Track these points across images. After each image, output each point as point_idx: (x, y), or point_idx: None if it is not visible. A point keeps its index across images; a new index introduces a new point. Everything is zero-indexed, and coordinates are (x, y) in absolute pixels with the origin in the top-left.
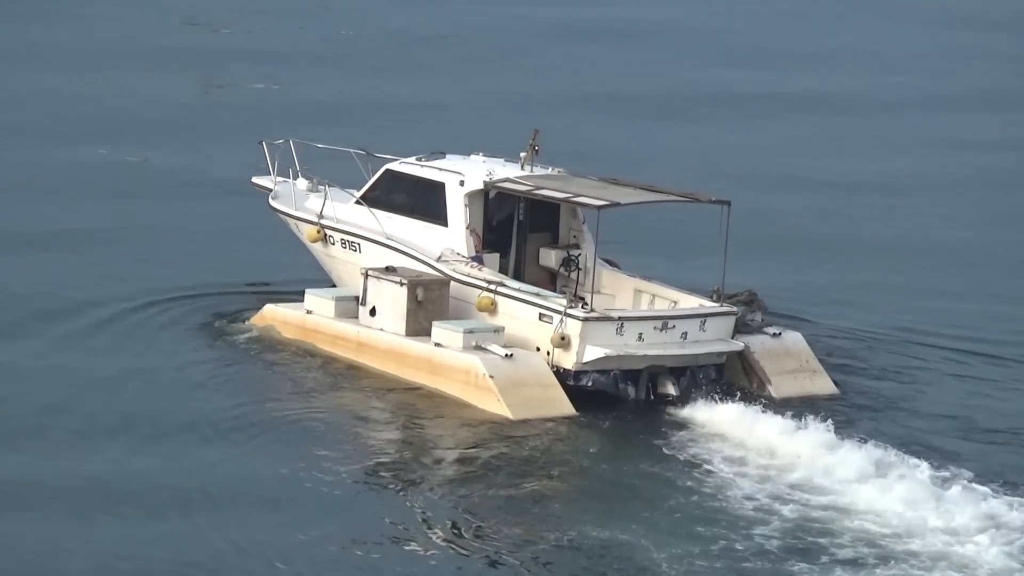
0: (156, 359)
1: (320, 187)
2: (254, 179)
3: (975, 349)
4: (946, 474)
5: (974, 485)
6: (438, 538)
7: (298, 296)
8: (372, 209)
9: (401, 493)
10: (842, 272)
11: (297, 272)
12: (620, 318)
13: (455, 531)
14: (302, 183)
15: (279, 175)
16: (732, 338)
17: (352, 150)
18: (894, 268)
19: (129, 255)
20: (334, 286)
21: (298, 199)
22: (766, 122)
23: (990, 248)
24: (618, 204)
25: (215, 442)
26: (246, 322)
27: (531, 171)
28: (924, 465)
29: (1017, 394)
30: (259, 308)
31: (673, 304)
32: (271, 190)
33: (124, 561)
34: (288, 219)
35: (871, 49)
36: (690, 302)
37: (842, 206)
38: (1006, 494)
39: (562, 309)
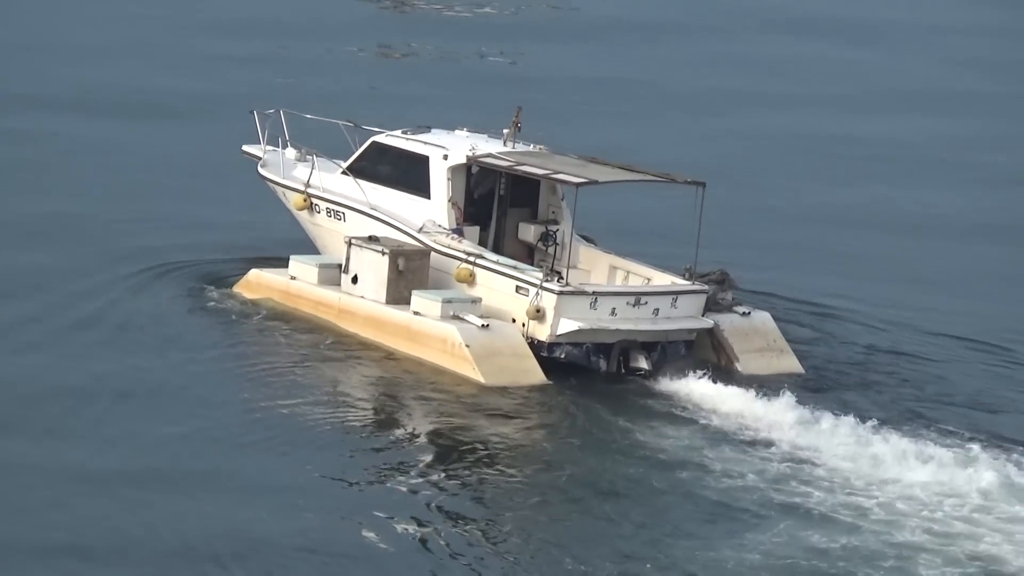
0: (139, 320)
1: (308, 157)
2: (244, 147)
3: (942, 329)
4: (923, 443)
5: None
6: (410, 511)
7: (283, 263)
8: (358, 180)
9: (373, 461)
10: (814, 253)
11: (283, 239)
12: (594, 293)
13: (426, 504)
14: (291, 152)
15: (269, 144)
16: (703, 316)
17: (340, 122)
18: (867, 249)
19: (117, 220)
20: (319, 254)
21: (286, 168)
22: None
23: (967, 227)
24: (596, 182)
25: (189, 407)
26: (231, 287)
27: (513, 147)
28: (893, 435)
29: (983, 371)
30: (245, 273)
31: (647, 281)
32: (260, 158)
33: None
34: (275, 187)
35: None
36: (663, 279)
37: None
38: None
39: (538, 282)
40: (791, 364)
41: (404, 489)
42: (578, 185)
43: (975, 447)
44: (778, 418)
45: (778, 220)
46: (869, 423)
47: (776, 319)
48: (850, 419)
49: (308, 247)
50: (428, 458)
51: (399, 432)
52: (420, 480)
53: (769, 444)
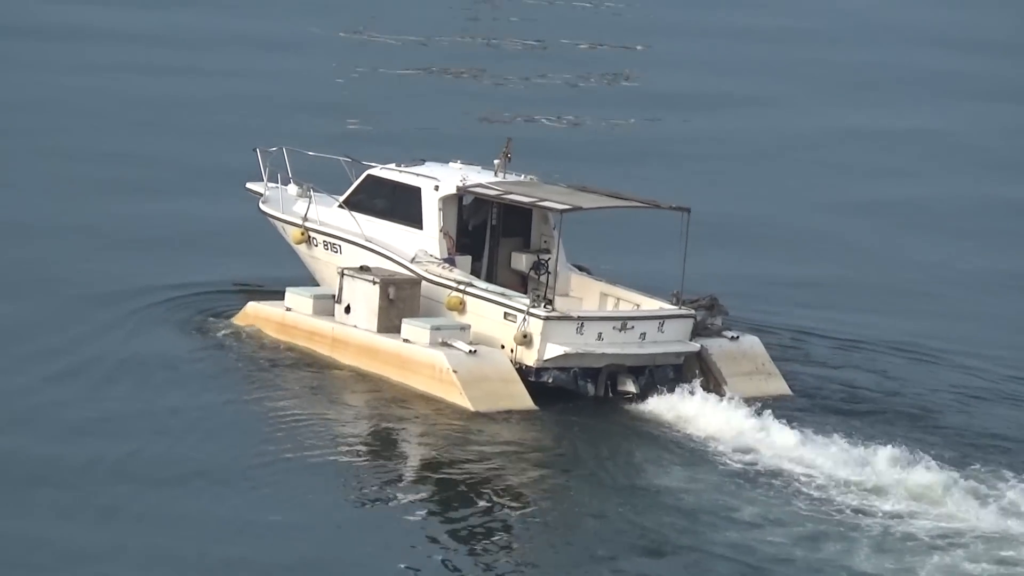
0: (138, 350)
1: (308, 192)
2: (248, 185)
3: (929, 352)
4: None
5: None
6: (396, 531)
7: (280, 295)
8: (353, 212)
9: (362, 484)
10: (807, 278)
11: (283, 272)
12: (580, 318)
13: (413, 524)
14: (292, 188)
15: (271, 181)
16: (690, 340)
17: (341, 157)
18: (859, 275)
19: (120, 252)
20: (318, 286)
21: (286, 203)
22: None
23: (955, 254)
24: (580, 208)
25: (183, 435)
26: (229, 319)
27: (504, 178)
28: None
29: (975, 395)
30: (243, 306)
31: (636, 307)
32: (262, 195)
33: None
34: (275, 222)
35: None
36: (652, 305)
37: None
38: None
39: (525, 308)
40: (779, 387)
41: (396, 522)
42: (563, 212)
43: (986, 477)
44: (772, 443)
45: (774, 246)
46: (861, 447)
47: (766, 344)
48: (846, 443)
49: (306, 279)
50: (418, 493)
51: (388, 463)
52: (412, 515)
53: (767, 469)
